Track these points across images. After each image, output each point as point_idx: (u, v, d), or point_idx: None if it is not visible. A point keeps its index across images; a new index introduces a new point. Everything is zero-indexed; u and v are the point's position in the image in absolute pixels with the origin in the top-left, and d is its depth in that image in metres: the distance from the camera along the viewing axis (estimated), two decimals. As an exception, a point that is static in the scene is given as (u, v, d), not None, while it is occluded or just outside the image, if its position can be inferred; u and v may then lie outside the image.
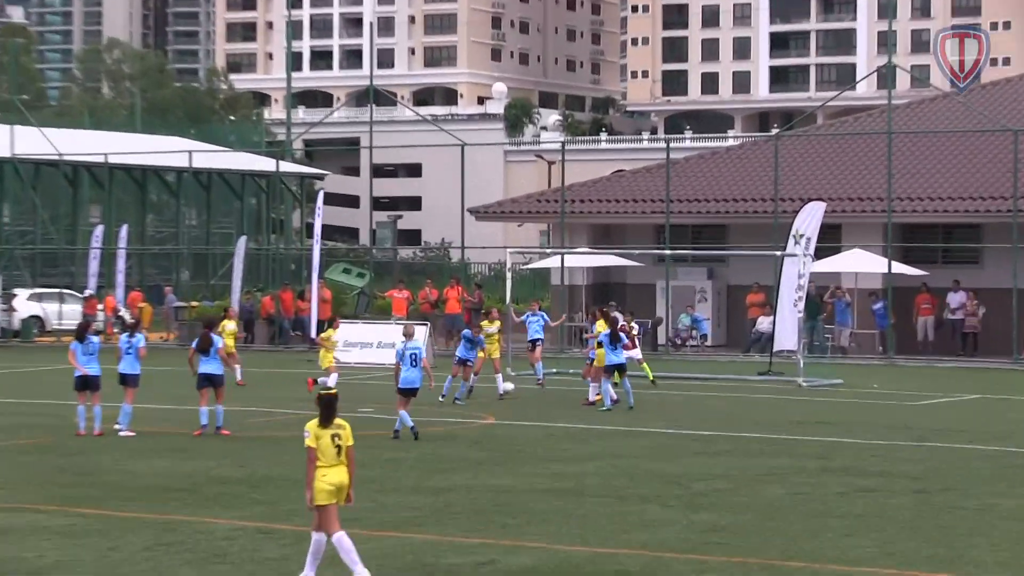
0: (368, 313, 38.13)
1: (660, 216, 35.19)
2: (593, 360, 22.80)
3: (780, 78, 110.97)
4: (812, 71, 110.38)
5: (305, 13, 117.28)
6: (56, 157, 42.90)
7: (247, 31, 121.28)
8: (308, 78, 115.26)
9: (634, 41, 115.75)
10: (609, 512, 13.06)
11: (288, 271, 44.77)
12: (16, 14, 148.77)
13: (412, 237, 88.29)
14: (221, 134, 64.94)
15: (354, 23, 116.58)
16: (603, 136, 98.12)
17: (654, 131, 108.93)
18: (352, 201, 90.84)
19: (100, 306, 38.27)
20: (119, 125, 63.22)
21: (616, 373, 21.95)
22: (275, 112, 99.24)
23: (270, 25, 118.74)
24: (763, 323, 32.88)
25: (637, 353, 25.41)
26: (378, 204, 61.41)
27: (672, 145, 38.28)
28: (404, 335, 18.55)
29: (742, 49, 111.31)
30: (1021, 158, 32.08)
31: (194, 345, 19.06)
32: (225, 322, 25.88)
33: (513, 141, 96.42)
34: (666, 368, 27.04)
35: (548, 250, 38.47)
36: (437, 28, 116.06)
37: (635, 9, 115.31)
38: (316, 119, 79.14)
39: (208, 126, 69.52)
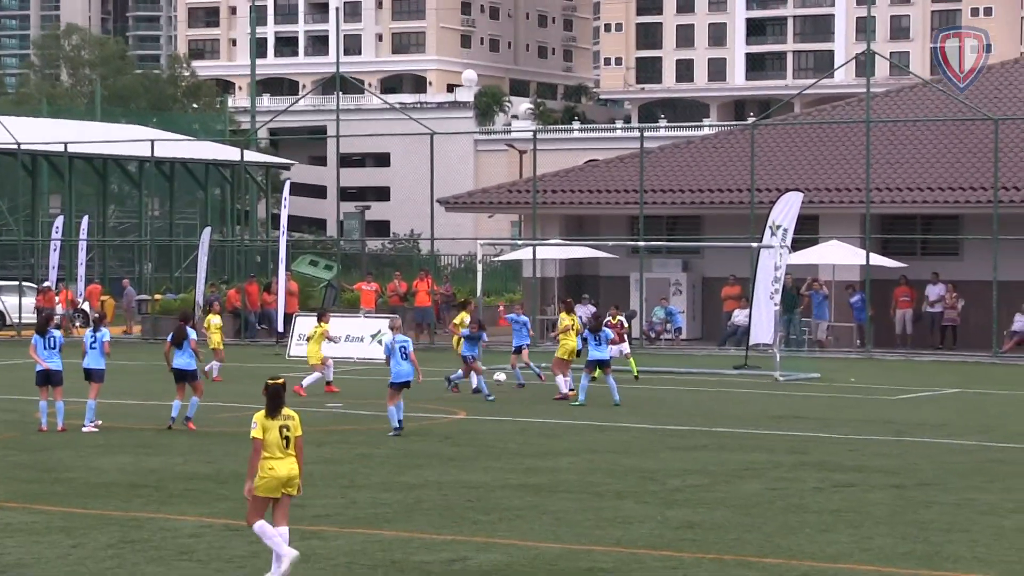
0: (336, 306, 37.52)
1: (634, 207, 34.82)
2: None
3: (756, 65, 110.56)
4: (789, 58, 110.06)
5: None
6: (14, 146, 42.07)
7: (210, 16, 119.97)
8: (273, 65, 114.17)
9: (607, 27, 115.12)
10: (583, 508, 12.97)
11: (254, 263, 44.33)
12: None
13: (380, 228, 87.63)
14: (184, 123, 64.48)
15: (320, 8, 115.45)
16: (575, 125, 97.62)
17: (628, 120, 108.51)
18: (319, 191, 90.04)
19: (56, 299, 37.47)
20: (79, 113, 62.62)
21: (597, 368, 21.59)
22: (239, 100, 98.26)
23: (233, 10, 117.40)
24: (739, 316, 32.64)
25: (625, 347, 25.14)
26: (345, 195, 60.75)
27: (646, 134, 37.93)
28: (391, 328, 18.48)
29: (718, 35, 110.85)
30: (1002, 147, 31.89)
31: (169, 339, 18.99)
32: (210, 316, 25.80)
33: (483, 130, 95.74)
34: (640, 362, 26.87)
35: (520, 242, 38.01)
36: (405, 13, 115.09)
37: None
38: (281, 107, 78.25)
39: (170, 114, 68.94)
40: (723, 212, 35.04)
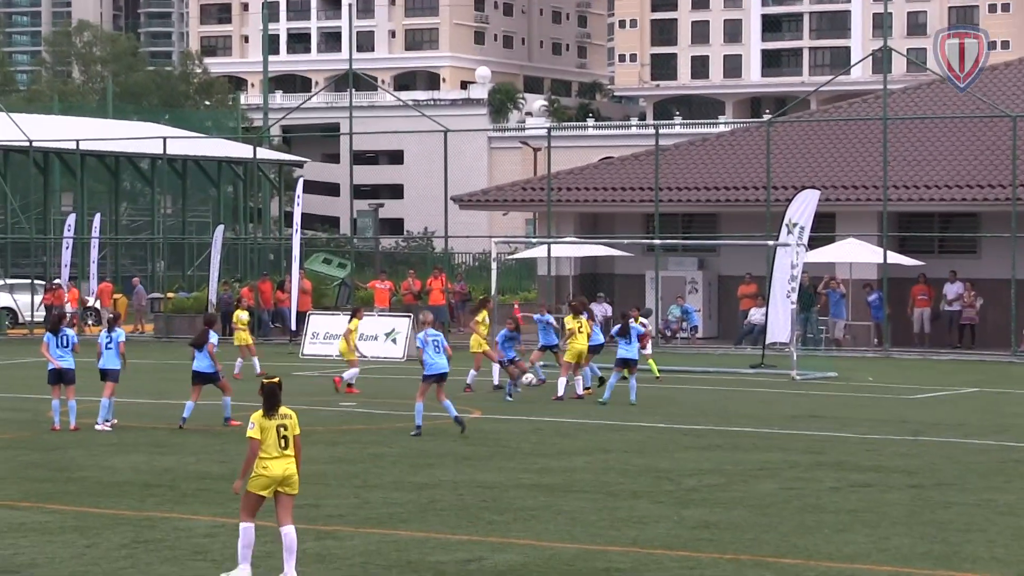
0: (349, 305, 37.38)
1: (649, 204, 34.61)
2: (593, 348, 22.51)
3: (772, 62, 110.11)
4: (805, 55, 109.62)
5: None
6: (26, 144, 42.00)
7: (222, 13, 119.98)
8: (285, 62, 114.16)
9: (622, 23, 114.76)
10: (598, 508, 12.92)
11: (267, 261, 44.28)
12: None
13: (394, 226, 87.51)
14: (196, 120, 64.46)
15: (332, 4, 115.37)
16: (590, 122, 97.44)
17: (642, 117, 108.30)
18: (332, 189, 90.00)
19: (65, 297, 37.46)
20: (90, 111, 62.63)
21: (626, 368, 21.55)
22: (252, 97, 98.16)
23: (246, 7, 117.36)
24: (755, 315, 32.47)
25: (647, 349, 25.04)
26: (359, 192, 60.67)
27: (661, 131, 37.65)
28: (423, 322, 18.37)
29: (733, 32, 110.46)
30: (1020, 145, 31.67)
31: (191, 343, 19.30)
32: (238, 312, 25.95)
33: (497, 127, 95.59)
34: (656, 361, 26.52)
35: (534, 240, 37.84)
36: (418, 10, 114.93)
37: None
38: (294, 104, 78.24)
39: (183, 111, 68.91)
40: (739, 210, 34.86)
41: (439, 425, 18.74)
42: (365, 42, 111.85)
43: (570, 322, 22.48)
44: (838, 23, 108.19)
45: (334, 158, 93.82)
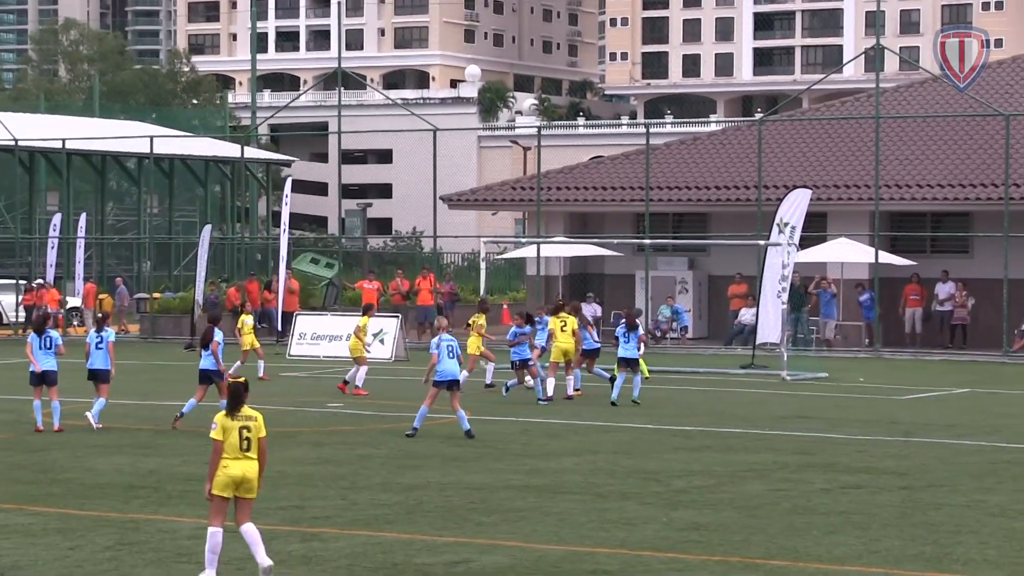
0: (337, 305, 37.16)
1: (640, 204, 34.47)
2: (590, 352, 22.48)
3: (764, 60, 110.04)
4: (797, 53, 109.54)
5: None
6: (11, 142, 41.73)
7: (210, 11, 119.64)
8: (274, 60, 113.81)
9: (612, 21, 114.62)
10: (586, 509, 12.88)
11: (254, 261, 44.06)
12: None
13: (382, 226, 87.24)
14: (183, 119, 64.21)
15: (321, 2, 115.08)
16: (580, 121, 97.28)
17: (633, 115, 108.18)
18: (320, 188, 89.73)
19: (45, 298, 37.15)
20: (77, 109, 62.39)
21: (628, 368, 21.51)
22: (239, 96, 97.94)
23: (234, 5, 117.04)
24: (746, 315, 32.35)
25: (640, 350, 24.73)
26: (347, 192, 60.44)
27: (652, 130, 37.61)
28: (438, 328, 18.25)
29: (725, 30, 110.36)
30: (1013, 144, 31.58)
31: (198, 342, 19.51)
32: (243, 317, 25.93)
33: (487, 126, 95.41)
34: (646, 361, 26.20)
35: (523, 239, 37.67)
36: (408, 8, 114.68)
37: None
38: (282, 103, 77.96)
39: (170, 110, 68.64)
40: (730, 209, 34.73)
41: (427, 427, 18.60)
42: (354, 40, 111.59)
43: (553, 322, 22.43)
44: (830, 21, 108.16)
45: (322, 157, 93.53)
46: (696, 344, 34.16)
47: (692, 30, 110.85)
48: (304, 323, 31.70)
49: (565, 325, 22.32)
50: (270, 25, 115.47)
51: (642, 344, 22.52)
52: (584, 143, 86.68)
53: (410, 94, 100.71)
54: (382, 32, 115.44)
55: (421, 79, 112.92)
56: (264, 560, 9.90)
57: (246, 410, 10.01)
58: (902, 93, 37.62)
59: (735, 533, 11.79)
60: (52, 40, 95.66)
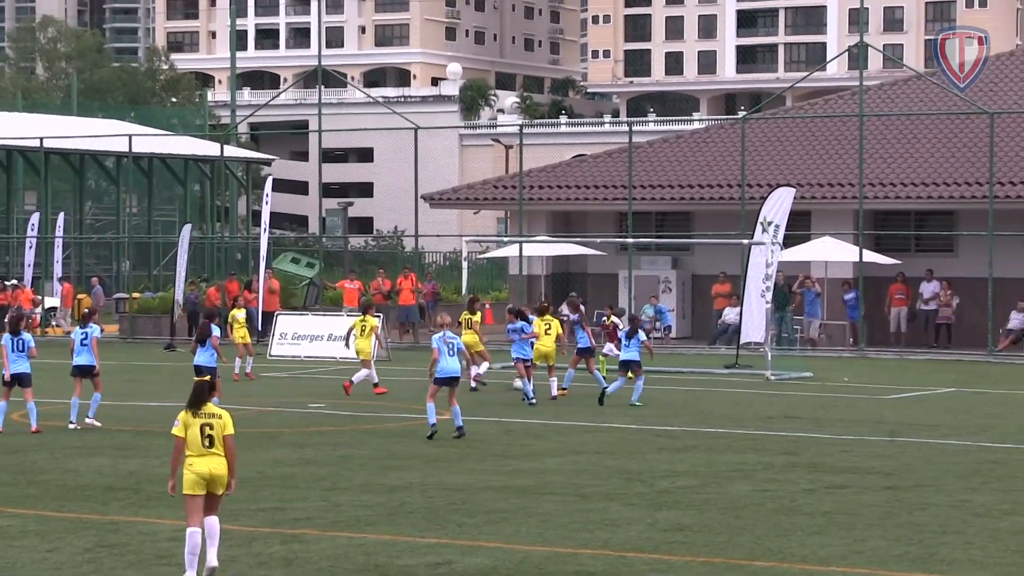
0: (318, 305, 36.89)
1: (622, 203, 34.29)
2: (585, 351, 22.36)
3: (747, 58, 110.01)
4: (781, 51, 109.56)
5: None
6: (-12, 141, 41.25)
7: (189, 8, 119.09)
8: (253, 58, 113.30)
9: (595, 19, 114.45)
10: (570, 510, 12.87)
11: (234, 261, 43.81)
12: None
13: (364, 225, 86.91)
14: (162, 117, 63.90)
15: (301, 0, 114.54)
16: (563, 119, 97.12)
17: (616, 114, 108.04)
18: (301, 187, 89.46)
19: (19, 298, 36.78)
20: (54, 108, 62.04)
21: (629, 370, 21.34)
22: (219, 94, 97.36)
23: (213, 2, 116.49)
24: (729, 314, 32.24)
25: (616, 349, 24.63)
26: (328, 191, 60.11)
27: (635, 128, 37.45)
28: (440, 324, 18.00)
29: (708, 28, 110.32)
30: (998, 142, 31.50)
31: (195, 338, 19.64)
32: (234, 312, 25.79)
33: (468, 124, 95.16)
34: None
35: (505, 238, 37.45)
36: (388, 5, 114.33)
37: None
38: (262, 101, 77.41)
39: (148, 109, 68.35)
40: (713, 208, 34.61)
41: (407, 427, 18.59)
42: (334, 38, 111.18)
43: (537, 323, 22.30)
44: (814, 19, 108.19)
45: (303, 156, 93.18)
46: (680, 344, 34.03)
47: (675, 27, 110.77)
48: (285, 323, 31.47)
49: (550, 328, 22.15)
50: (250, 22, 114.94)
51: (648, 350, 22.26)
52: (566, 141, 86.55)
53: (391, 92, 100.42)
54: (363, 30, 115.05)
55: (402, 77, 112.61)
56: (213, 559, 9.88)
57: (210, 407, 10.05)
58: (886, 91, 37.54)
59: (719, 534, 11.75)
60: (29, 38, 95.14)
